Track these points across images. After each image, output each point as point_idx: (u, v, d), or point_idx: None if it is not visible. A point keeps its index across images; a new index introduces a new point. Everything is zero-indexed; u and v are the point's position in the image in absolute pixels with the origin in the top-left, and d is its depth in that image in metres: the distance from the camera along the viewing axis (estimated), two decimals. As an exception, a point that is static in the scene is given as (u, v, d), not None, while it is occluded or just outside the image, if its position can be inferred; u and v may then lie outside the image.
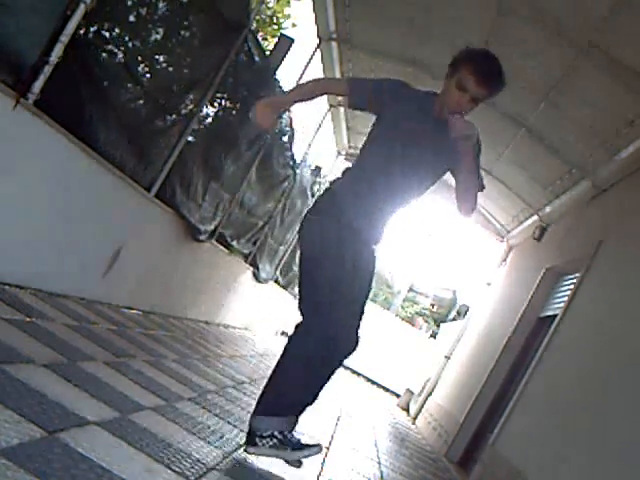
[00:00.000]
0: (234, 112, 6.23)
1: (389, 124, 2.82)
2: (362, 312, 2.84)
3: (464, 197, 2.88)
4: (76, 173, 3.90)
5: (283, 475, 2.90)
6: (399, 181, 2.81)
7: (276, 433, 2.74)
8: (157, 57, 4.64)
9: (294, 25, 13.02)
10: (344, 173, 2.93)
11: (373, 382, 17.81)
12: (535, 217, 8.41)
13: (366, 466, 4.41)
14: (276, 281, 10.70)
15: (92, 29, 3.82)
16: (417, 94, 2.90)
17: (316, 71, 8.22)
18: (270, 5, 12.66)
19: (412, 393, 13.15)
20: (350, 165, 3.01)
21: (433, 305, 32.53)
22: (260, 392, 2.86)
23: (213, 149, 5.89)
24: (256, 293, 9.53)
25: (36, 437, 1.77)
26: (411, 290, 32.46)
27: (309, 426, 4.51)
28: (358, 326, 2.81)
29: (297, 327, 2.81)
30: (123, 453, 2.04)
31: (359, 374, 17.93)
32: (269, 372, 2.89)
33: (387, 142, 2.83)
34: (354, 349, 2.78)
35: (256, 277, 9.10)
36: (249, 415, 2.92)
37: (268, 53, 6.90)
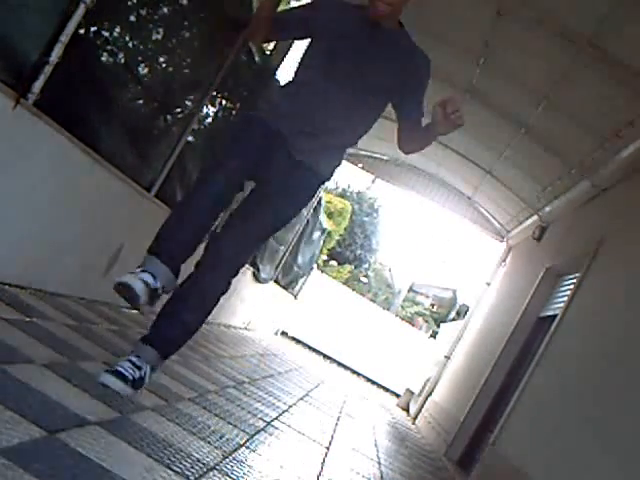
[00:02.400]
0: (234, 112, 6.23)
1: (321, 35, 2.71)
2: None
3: (413, 147, 2.79)
4: (76, 173, 3.90)
5: (283, 474, 2.90)
6: (337, 95, 2.60)
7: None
8: (157, 57, 4.64)
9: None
10: (280, 88, 2.82)
11: (373, 382, 17.81)
12: (535, 217, 8.42)
13: (366, 466, 4.41)
14: (276, 281, 10.70)
15: (92, 29, 3.83)
16: (346, 4, 2.77)
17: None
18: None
19: (412, 393, 13.16)
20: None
21: (433, 305, 32.56)
22: None
23: (213, 149, 5.89)
24: (256, 293, 9.53)
25: (36, 437, 1.77)
26: (411, 290, 32.49)
27: (309, 426, 4.51)
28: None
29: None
30: (123, 453, 2.04)
31: (359, 374, 17.93)
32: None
33: (320, 54, 2.71)
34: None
35: (256, 278, 9.10)
36: (249, 415, 2.93)
37: (268, 53, 6.90)
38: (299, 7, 2.87)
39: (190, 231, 2.63)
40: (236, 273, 2.69)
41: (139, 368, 2.49)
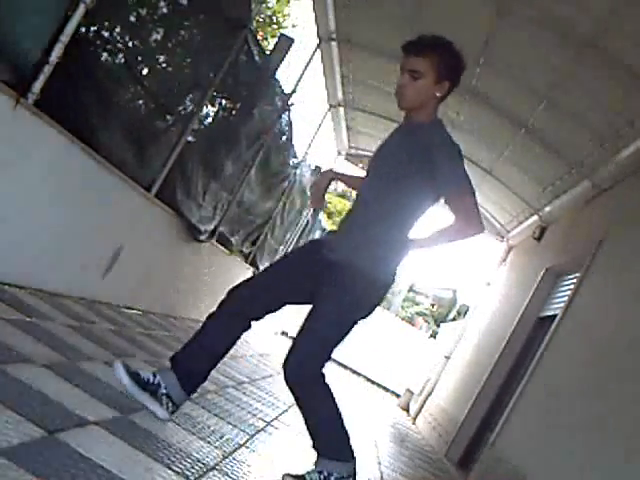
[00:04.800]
0: (234, 112, 6.23)
1: None
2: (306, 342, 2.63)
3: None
4: (76, 173, 3.90)
5: (283, 475, 2.90)
6: (365, 194, 2.72)
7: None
8: (157, 57, 4.64)
9: (294, 25, 13.03)
10: None
11: (373, 382, 17.81)
12: (535, 217, 8.41)
13: (366, 466, 4.41)
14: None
15: (92, 29, 3.83)
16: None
17: (316, 71, 8.24)
18: (270, 5, 12.67)
19: (412, 393, 13.15)
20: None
21: (433, 305, 32.53)
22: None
23: (213, 149, 5.88)
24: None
25: (36, 437, 1.77)
26: (411, 290, 32.46)
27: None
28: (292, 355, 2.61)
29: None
30: (123, 453, 2.04)
31: (359, 374, 17.92)
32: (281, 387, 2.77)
33: None
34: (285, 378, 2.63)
35: (256, 277, 9.09)
36: (249, 415, 2.92)
37: (268, 53, 6.90)
38: None
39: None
40: (312, 377, 2.67)
41: (153, 375, 2.59)
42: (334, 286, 2.59)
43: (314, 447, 2.65)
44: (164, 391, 2.57)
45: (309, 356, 2.61)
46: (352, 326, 2.68)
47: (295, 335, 2.68)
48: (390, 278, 2.66)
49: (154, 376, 2.58)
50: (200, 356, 2.69)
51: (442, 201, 2.66)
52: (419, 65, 2.57)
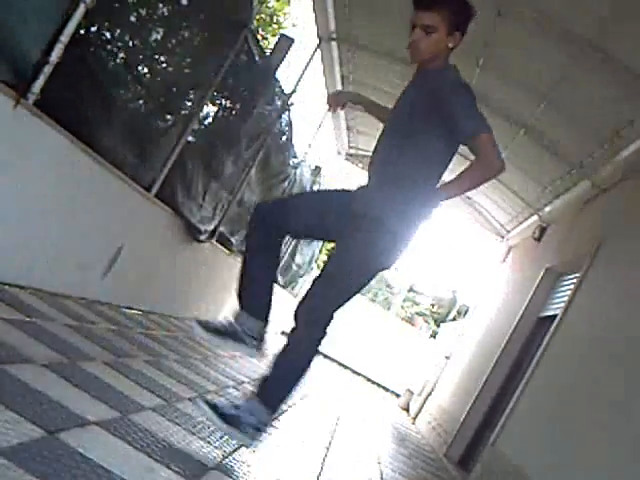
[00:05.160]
0: (234, 112, 6.23)
1: None
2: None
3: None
4: (76, 173, 3.90)
5: (283, 475, 2.90)
6: (387, 149, 2.72)
7: None
8: (157, 57, 4.64)
9: (294, 25, 13.03)
10: None
11: (373, 382, 17.81)
12: (535, 217, 8.42)
13: (366, 466, 4.41)
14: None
15: (92, 29, 3.83)
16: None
17: (316, 71, 8.24)
18: (270, 5, 12.67)
19: (412, 393, 13.16)
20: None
21: (433, 305, 32.55)
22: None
23: (213, 149, 5.89)
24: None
25: (36, 437, 1.77)
26: (411, 290, 32.48)
27: (309, 426, 4.51)
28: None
29: None
30: (123, 453, 2.04)
31: (359, 374, 17.93)
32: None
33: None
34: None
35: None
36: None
37: (268, 53, 6.90)
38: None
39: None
40: (320, 322, 2.69)
41: (236, 407, 2.58)
42: (359, 239, 2.63)
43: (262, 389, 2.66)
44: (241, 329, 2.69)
45: (325, 300, 2.67)
46: (371, 278, 2.75)
47: (313, 279, 2.75)
48: (413, 233, 2.72)
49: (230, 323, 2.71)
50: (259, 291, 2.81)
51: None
52: (432, 19, 2.60)
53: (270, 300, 2.80)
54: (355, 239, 2.63)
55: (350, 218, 2.66)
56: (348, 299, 2.71)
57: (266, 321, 2.77)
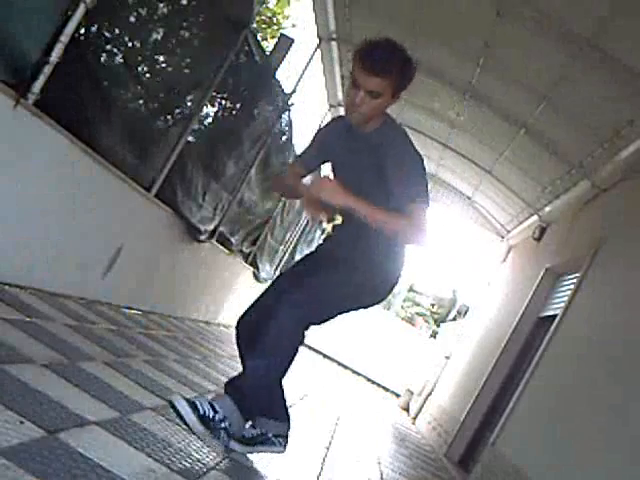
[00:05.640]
0: (234, 112, 6.23)
1: (329, 156, 2.85)
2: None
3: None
4: (76, 173, 3.90)
5: (283, 475, 2.90)
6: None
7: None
8: (157, 57, 4.64)
9: (294, 25, 13.02)
10: None
11: (373, 382, 17.81)
12: (535, 217, 8.41)
13: (366, 466, 4.41)
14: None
15: (92, 29, 3.83)
16: (338, 122, 2.86)
17: (316, 71, 8.24)
18: (270, 5, 12.66)
19: (412, 393, 13.15)
20: None
21: (433, 305, 32.53)
22: None
23: (213, 149, 5.89)
24: (256, 293, 9.51)
25: (36, 437, 1.77)
26: (411, 290, 32.46)
27: (309, 426, 4.51)
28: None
29: None
30: (123, 453, 2.04)
31: (359, 374, 17.92)
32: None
33: (333, 171, 2.87)
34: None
35: (256, 277, 9.11)
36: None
37: (268, 53, 6.90)
38: (309, 146, 2.95)
39: None
40: (300, 321, 2.62)
41: (215, 410, 2.44)
42: (346, 265, 2.67)
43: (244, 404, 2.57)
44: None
45: (305, 305, 2.58)
46: (349, 307, 2.73)
47: (289, 282, 2.72)
48: (395, 277, 2.73)
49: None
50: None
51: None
52: (379, 85, 2.48)
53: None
54: (344, 265, 2.68)
55: (333, 257, 2.71)
56: (322, 315, 2.68)
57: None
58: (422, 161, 2.58)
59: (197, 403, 2.41)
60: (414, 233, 2.50)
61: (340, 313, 2.74)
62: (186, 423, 2.34)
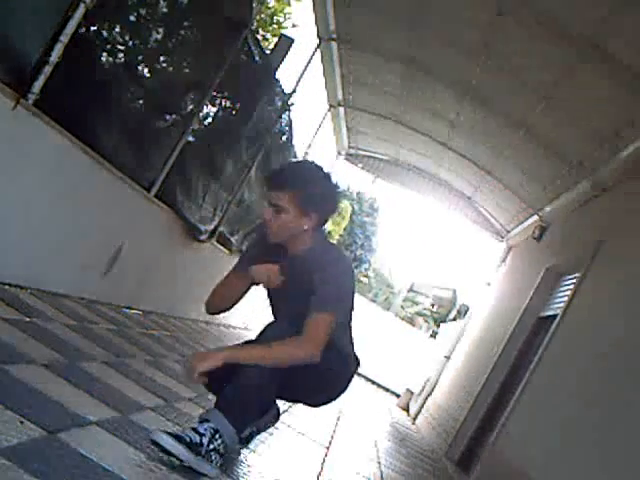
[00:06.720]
0: (234, 112, 6.23)
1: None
2: None
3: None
4: (76, 173, 3.90)
5: (283, 475, 2.90)
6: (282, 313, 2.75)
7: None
8: (157, 57, 4.64)
9: (294, 25, 13.01)
10: None
11: (373, 382, 17.81)
12: (535, 217, 8.41)
13: (366, 466, 4.41)
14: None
15: (92, 29, 3.83)
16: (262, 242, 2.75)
17: (316, 71, 8.24)
18: (270, 5, 12.65)
19: (412, 393, 13.15)
20: None
21: (433, 305, 32.54)
22: None
23: (213, 149, 5.89)
24: (256, 293, 9.51)
25: (36, 437, 1.77)
26: (411, 290, 32.47)
27: (309, 426, 4.51)
28: None
29: None
30: (123, 453, 2.04)
31: (359, 374, 17.92)
32: None
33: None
34: None
35: (256, 277, 9.09)
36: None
37: (268, 53, 6.90)
38: (235, 268, 2.84)
39: None
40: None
41: (200, 434, 2.25)
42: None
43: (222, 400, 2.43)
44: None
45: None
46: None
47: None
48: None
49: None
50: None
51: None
52: (279, 200, 2.47)
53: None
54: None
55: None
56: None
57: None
58: (351, 274, 2.57)
59: (180, 435, 2.22)
60: (303, 349, 2.42)
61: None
62: (174, 455, 2.17)
